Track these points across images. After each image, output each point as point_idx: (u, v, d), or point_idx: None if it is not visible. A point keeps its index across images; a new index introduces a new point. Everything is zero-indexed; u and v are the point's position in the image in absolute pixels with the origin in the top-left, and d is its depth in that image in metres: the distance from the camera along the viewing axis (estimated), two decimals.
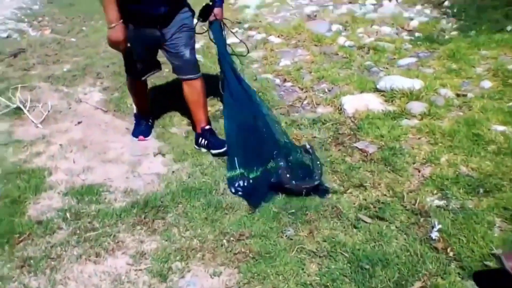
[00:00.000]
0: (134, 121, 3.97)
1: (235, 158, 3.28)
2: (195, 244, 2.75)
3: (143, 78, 3.58)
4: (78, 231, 2.85)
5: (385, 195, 3.07)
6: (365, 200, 3.03)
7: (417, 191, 3.05)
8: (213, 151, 3.56)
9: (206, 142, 3.60)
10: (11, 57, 5.60)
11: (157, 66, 3.58)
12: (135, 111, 4.01)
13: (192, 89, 3.56)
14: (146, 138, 3.84)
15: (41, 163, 3.54)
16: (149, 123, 3.97)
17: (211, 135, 3.63)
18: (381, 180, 3.17)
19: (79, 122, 4.13)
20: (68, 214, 2.98)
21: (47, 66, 5.30)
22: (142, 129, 3.91)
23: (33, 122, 4.12)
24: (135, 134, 3.86)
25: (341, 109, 3.95)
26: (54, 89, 4.72)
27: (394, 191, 3.07)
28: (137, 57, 3.37)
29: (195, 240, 2.78)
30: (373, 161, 3.34)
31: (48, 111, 4.27)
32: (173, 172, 3.40)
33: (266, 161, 3.25)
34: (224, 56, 3.55)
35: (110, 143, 3.81)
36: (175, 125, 4.02)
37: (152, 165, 3.51)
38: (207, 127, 3.66)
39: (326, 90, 4.32)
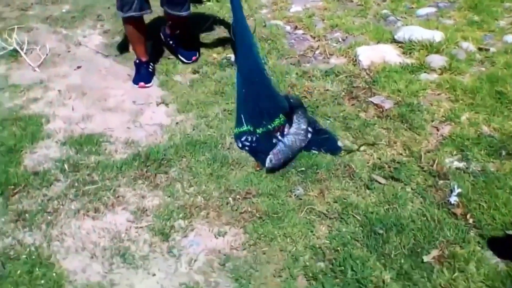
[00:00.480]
0: (134, 68, 3.74)
1: (242, 114, 3.08)
2: (199, 201, 2.61)
3: (133, 14, 3.44)
4: (76, 184, 2.70)
5: (401, 154, 2.90)
6: (380, 159, 2.87)
7: (435, 151, 2.88)
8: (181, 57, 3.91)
9: (174, 44, 3.94)
10: None
11: (148, 7, 3.51)
12: (135, 57, 3.78)
13: (178, 24, 3.77)
14: (147, 85, 3.65)
15: (38, 110, 3.36)
16: (150, 69, 3.76)
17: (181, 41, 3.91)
18: (397, 138, 2.99)
19: (78, 67, 3.92)
20: (66, 165, 2.82)
21: (46, 6, 5.01)
22: (142, 75, 3.70)
23: (30, 65, 3.90)
24: (136, 80, 3.67)
25: (355, 60, 3.73)
26: (52, 31, 4.47)
27: (410, 151, 2.90)
28: None
29: (199, 197, 2.63)
30: (389, 118, 3.15)
31: (46, 54, 4.05)
32: (176, 123, 3.23)
33: (272, 117, 3.05)
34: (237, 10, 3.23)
35: (110, 90, 3.61)
36: (180, 72, 3.81)
37: (154, 115, 3.32)
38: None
39: (340, 40, 4.07)
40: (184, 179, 2.74)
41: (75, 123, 3.23)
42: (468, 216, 2.46)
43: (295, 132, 2.93)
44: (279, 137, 2.97)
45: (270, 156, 2.77)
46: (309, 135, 2.98)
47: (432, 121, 3.11)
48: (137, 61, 3.75)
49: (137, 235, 2.42)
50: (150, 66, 3.78)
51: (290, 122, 3.02)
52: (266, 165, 2.77)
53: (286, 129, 3.00)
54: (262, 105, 3.05)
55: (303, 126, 2.98)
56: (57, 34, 4.45)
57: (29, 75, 3.81)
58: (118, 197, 2.62)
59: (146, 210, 2.55)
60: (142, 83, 3.65)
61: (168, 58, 3.99)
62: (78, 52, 4.16)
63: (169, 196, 2.63)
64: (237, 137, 3.04)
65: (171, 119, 3.28)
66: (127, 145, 3.03)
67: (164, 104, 3.44)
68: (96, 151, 2.95)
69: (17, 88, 3.61)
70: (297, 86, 3.50)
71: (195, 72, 3.79)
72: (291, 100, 3.14)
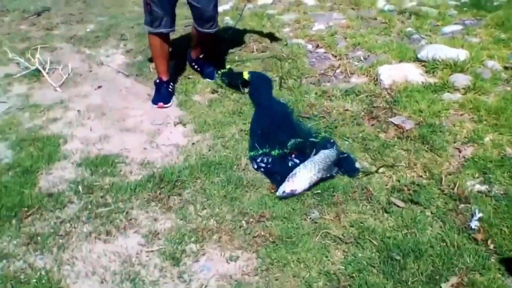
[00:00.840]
0: (154, 87, 3.74)
1: (256, 140, 3.07)
2: (212, 224, 2.56)
3: (162, 30, 3.50)
4: (89, 206, 2.69)
5: (421, 176, 2.81)
6: (399, 181, 2.78)
7: (456, 174, 2.78)
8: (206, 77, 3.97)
9: (198, 68, 4.05)
10: (34, 16, 5.43)
11: (174, 25, 3.62)
12: (156, 77, 3.79)
13: (206, 41, 3.83)
14: (166, 105, 3.65)
15: (57, 130, 3.38)
16: (170, 89, 3.76)
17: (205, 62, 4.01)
18: (417, 160, 2.91)
19: (99, 87, 3.95)
20: (80, 187, 2.81)
21: (71, 25, 5.11)
22: (162, 95, 3.70)
23: (52, 85, 3.95)
24: (155, 100, 3.67)
25: (377, 79, 3.65)
26: (75, 50, 4.54)
27: (431, 173, 2.80)
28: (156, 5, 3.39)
29: (212, 220, 2.59)
30: (409, 139, 3.06)
31: (68, 74, 4.10)
32: (193, 144, 3.20)
33: (287, 141, 3.03)
34: None
35: (129, 110, 3.62)
36: (199, 92, 3.80)
37: (171, 135, 3.31)
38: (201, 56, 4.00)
39: (362, 58, 4.01)
40: (197, 201, 2.71)
41: (92, 144, 3.23)
42: (489, 242, 2.36)
43: (319, 160, 2.84)
44: (295, 160, 2.91)
45: (284, 187, 2.71)
46: (334, 170, 2.88)
47: (454, 142, 3.01)
48: (158, 80, 3.76)
49: (147, 259, 2.39)
50: (170, 86, 3.78)
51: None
52: (277, 193, 2.72)
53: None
54: (278, 134, 3.07)
55: (331, 158, 2.88)
56: (80, 54, 4.51)
57: (50, 95, 3.85)
58: (130, 219, 2.60)
59: (158, 234, 2.51)
60: (161, 103, 3.65)
61: (188, 78, 4.00)
62: (100, 72, 4.20)
63: (182, 219, 2.59)
64: (252, 158, 3.00)
65: (188, 139, 3.26)
66: (142, 166, 3.01)
67: (182, 124, 3.43)
68: (111, 172, 2.94)
69: (37, 108, 3.65)
70: (315, 106, 3.45)
71: (214, 92, 3.77)
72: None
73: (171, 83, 3.80)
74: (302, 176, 2.74)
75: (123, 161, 3.06)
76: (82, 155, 3.12)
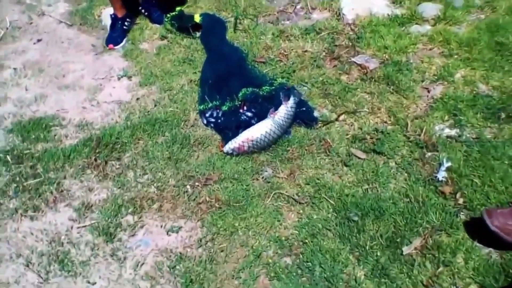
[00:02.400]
0: (109, 24, 3.51)
1: (207, 92, 2.76)
2: (153, 192, 2.31)
3: None
4: (17, 178, 2.42)
5: (385, 122, 2.55)
6: (361, 129, 2.52)
7: (424, 118, 2.51)
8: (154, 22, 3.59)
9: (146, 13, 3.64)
10: None
11: None
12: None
13: None
14: (116, 47, 3.40)
15: None
16: (125, 26, 3.49)
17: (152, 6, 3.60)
18: (382, 103, 2.63)
19: (38, 40, 3.58)
20: (9, 157, 2.53)
21: None
22: (114, 36, 3.44)
23: None
24: (107, 41, 3.44)
25: (339, 14, 3.30)
26: (15, 1, 4.11)
27: (396, 117, 2.54)
28: None
29: (152, 186, 2.33)
30: (373, 80, 2.77)
31: (7, 29, 3.71)
32: (137, 99, 2.90)
33: (236, 93, 2.72)
34: None
35: (70, 64, 3.28)
36: (146, 39, 3.45)
37: (114, 91, 3.00)
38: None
39: None
40: (137, 166, 2.44)
41: (27, 106, 2.92)
42: (458, 196, 2.12)
43: (279, 120, 2.52)
44: (248, 114, 2.62)
45: (230, 144, 2.44)
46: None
47: (422, 81, 2.73)
48: (113, 15, 3.45)
49: (78, 236, 2.14)
50: (126, 23, 3.49)
51: (275, 104, 2.62)
52: (224, 149, 2.45)
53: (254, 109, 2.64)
54: (230, 84, 2.76)
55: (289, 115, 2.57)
56: (20, 5, 4.09)
57: None
58: (61, 191, 2.34)
59: (92, 206, 2.26)
60: (111, 45, 3.39)
61: (136, 23, 3.61)
62: (41, 23, 3.81)
63: (119, 188, 2.33)
64: (202, 112, 2.71)
65: (132, 94, 2.96)
66: (80, 128, 2.72)
67: (127, 77, 3.11)
68: (44, 137, 2.65)
69: None
70: (272, 48, 3.13)
71: (163, 38, 3.42)
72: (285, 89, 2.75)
73: (128, 19, 3.50)
74: (254, 131, 2.45)
75: (59, 123, 2.76)
76: (15, 119, 2.82)
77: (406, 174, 2.27)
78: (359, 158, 2.38)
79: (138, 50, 3.33)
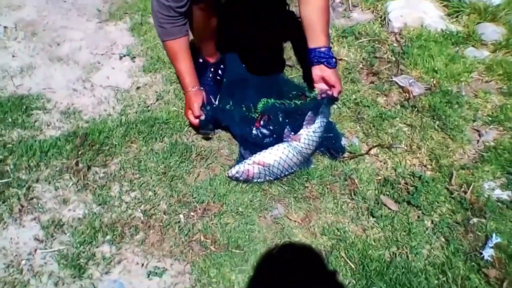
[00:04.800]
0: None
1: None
2: (138, 217, 1.91)
3: None
4: None
5: (425, 166, 2.14)
6: (395, 170, 2.11)
7: (471, 170, 2.10)
8: None
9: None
10: None
11: None
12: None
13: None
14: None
15: None
16: (218, 77, 2.46)
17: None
18: (423, 141, 2.21)
19: None
20: None
21: None
22: (206, 87, 2.29)
23: None
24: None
25: (384, 19, 2.84)
26: None
27: (438, 163, 2.12)
28: None
29: (139, 210, 1.94)
30: (416, 109, 2.34)
31: None
32: (138, 88, 2.48)
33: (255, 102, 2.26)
34: None
35: (68, 31, 2.84)
36: None
37: (112, 72, 2.57)
38: None
39: None
40: (125, 179, 2.04)
41: (10, 77, 2.50)
42: (505, 285, 1.73)
43: (298, 147, 2.07)
44: (263, 130, 2.18)
45: (237, 167, 2.03)
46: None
47: (474, 121, 2.30)
48: (201, 60, 2.42)
49: (42, 263, 1.76)
50: (220, 71, 2.47)
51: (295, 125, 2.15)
52: (229, 173, 2.04)
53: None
54: (248, 88, 2.33)
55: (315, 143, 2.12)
56: None
57: None
58: (31, 199, 1.94)
59: (63, 225, 1.87)
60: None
61: None
62: None
63: (99, 204, 1.94)
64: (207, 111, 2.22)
65: (133, 81, 2.54)
66: (66, 116, 2.31)
67: (129, 58, 2.67)
68: (22, 122, 2.25)
69: None
70: (301, 50, 2.65)
71: None
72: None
73: (221, 66, 2.48)
74: (267, 155, 2.04)
75: (43, 106, 2.35)
76: None
77: (443, 240, 1.88)
78: (389, 208, 1.97)
79: (147, 25, 2.89)
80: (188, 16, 1.99)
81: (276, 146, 2.07)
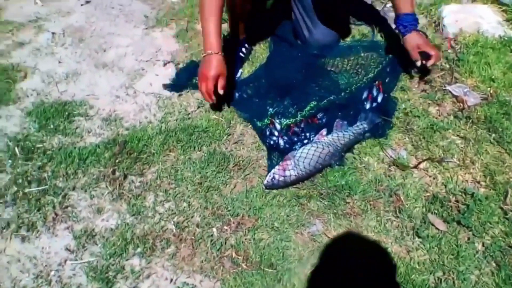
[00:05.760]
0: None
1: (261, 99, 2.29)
2: (171, 229, 1.86)
3: None
4: (20, 180, 2.03)
5: (478, 182, 1.98)
6: (445, 186, 1.96)
7: None
8: None
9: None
10: None
11: None
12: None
13: None
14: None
15: (19, 59, 2.68)
16: (242, 54, 2.59)
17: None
18: (477, 156, 2.05)
19: (87, 2, 3.17)
20: (18, 149, 2.14)
21: None
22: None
23: None
24: None
25: (438, 24, 2.68)
26: None
27: (493, 180, 1.96)
28: None
29: (172, 222, 1.88)
30: (470, 121, 2.18)
31: None
32: (180, 95, 2.44)
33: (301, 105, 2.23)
34: None
35: (115, 38, 2.85)
36: None
37: (156, 79, 2.55)
38: None
39: None
40: (161, 188, 2.00)
41: (55, 83, 2.52)
42: None
43: (323, 141, 2.06)
44: (301, 134, 2.13)
45: (271, 174, 1.95)
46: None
47: None
48: (228, 37, 2.63)
49: (71, 275, 1.74)
50: (244, 49, 2.62)
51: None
52: (265, 182, 1.96)
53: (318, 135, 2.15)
54: (294, 92, 2.29)
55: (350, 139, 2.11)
56: None
57: (28, 9, 3.12)
58: (66, 207, 1.93)
59: (95, 235, 1.84)
60: None
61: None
62: None
63: (133, 215, 1.90)
64: (261, 130, 2.22)
65: None
66: (107, 123, 2.30)
67: (174, 65, 2.64)
68: (64, 129, 2.25)
69: (7, 27, 2.94)
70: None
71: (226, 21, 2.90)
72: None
73: (246, 45, 2.62)
74: (292, 153, 2.02)
75: (85, 113, 2.35)
76: (37, 99, 2.43)
77: (494, 265, 1.72)
78: (437, 228, 1.83)
79: (193, 31, 2.86)
80: None
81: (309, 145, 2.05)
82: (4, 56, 2.70)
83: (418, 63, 2.18)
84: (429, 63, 2.17)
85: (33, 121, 2.29)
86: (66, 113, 2.32)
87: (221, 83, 2.09)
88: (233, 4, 2.29)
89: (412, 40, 2.15)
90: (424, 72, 2.29)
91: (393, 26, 2.37)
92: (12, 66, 2.62)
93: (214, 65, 2.05)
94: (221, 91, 2.10)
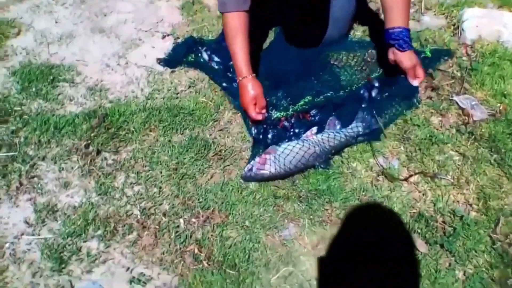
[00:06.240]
0: None
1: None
2: (135, 215, 1.76)
3: None
4: None
5: (470, 205, 1.84)
6: (434, 204, 1.83)
7: None
8: None
9: None
10: None
11: None
12: None
13: None
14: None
15: (15, 15, 2.59)
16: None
17: None
18: (474, 176, 1.91)
19: None
20: None
21: None
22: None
23: None
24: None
25: (457, 27, 2.50)
26: None
27: (486, 204, 1.82)
28: None
29: (138, 206, 1.78)
30: (473, 137, 2.03)
31: None
32: (172, 71, 2.32)
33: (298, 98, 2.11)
34: None
35: (118, 2, 2.74)
36: None
37: (151, 52, 2.43)
38: None
39: None
40: (134, 170, 1.90)
41: (47, 44, 2.42)
42: None
43: (310, 140, 1.94)
44: (290, 130, 2.03)
45: (254, 162, 1.84)
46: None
47: None
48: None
49: (26, 250, 1.66)
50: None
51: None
52: (243, 173, 1.86)
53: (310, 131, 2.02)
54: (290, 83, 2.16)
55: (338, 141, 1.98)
56: None
57: None
58: (32, 177, 1.85)
59: (57, 211, 1.76)
60: None
61: None
62: None
63: (99, 194, 1.81)
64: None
65: None
66: (92, 92, 2.20)
67: (173, 38, 2.51)
68: (46, 93, 2.16)
69: None
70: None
71: None
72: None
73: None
74: (277, 148, 1.93)
75: (71, 79, 2.25)
76: (26, 58, 2.33)
77: None
78: (417, 249, 1.71)
79: (200, 4, 2.72)
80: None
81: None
82: (1, 9, 2.59)
83: (416, 83, 2.01)
84: (417, 82, 2.01)
85: (16, 81, 2.20)
86: (51, 77, 2.23)
87: (259, 104, 1.97)
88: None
89: (410, 60, 1.96)
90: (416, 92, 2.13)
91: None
92: (7, 21, 2.52)
93: (248, 89, 1.94)
94: (263, 111, 1.99)
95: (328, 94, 2.13)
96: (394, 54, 1.97)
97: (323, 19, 2.26)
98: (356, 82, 2.21)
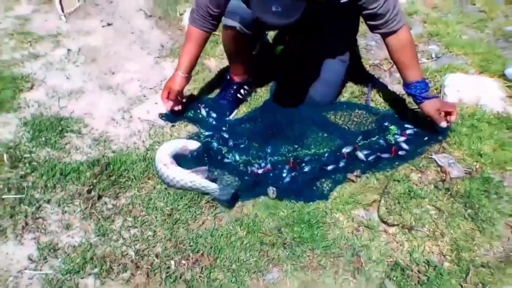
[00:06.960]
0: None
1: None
2: (130, 256, 1.90)
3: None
4: (1, 186, 2.11)
5: (444, 255, 1.97)
6: (410, 255, 1.95)
7: (493, 269, 1.90)
8: None
9: None
10: None
11: None
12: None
13: None
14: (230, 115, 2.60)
15: (30, 70, 2.80)
16: (240, 95, 2.64)
17: None
18: (448, 229, 2.05)
19: (108, 24, 3.29)
20: (7, 157, 2.23)
21: None
22: (224, 101, 2.60)
23: (58, 11, 3.33)
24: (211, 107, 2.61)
25: (440, 91, 2.70)
26: None
27: (459, 255, 1.94)
28: None
29: (133, 248, 1.92)
30: (449, 193, 2.18)
31: (84, 1, 3.45)
32: (172, 126, 2.50)
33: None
34: None
35: (126, 62, 2.95)
36: (216, 55, 3.03)
37: (154, 107, 2.63)
38: None
39: (433, 56, 3.01)
40: (131, 214, 2.05)
41: (58, 98, 2.62)
42: None
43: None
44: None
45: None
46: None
47: (510, 215, 2.08)
48: (228, 77, 2.66)
49: (28, 284, 1.80)
50: (243, 91, 2.65)
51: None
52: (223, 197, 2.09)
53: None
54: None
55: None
56: None
57: (51, 24, 3.25)
58: (37, 218, 2.00)
59: (58, 250, 1.90)
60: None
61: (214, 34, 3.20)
62: (121, 5, 3.51)
63: (98, 235, 1.95)
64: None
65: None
66: (96, 143, 2.37)
67: None
68: (54, 143, 2.34)
69: (27, 37, 3.08)
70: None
71: None
72: None
73: (246, 87, 2.66)
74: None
75: (78, 130, 2.43)
76: (38, 110, 2.53)
77: None
78: None
79: (201, 66, 2.93)
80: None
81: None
82: (17, 65, 2.82)
83: (444, 124, 2.26)
84: (453, 119, 2.26)
85: (27, 131, 2.38)
86: (60, 128, 2.41)
87: (171, 95, 2.42)
88: (224, 43, 2.46)
89: (432, 106, 2.25)
90: (448, 129, 2.34)
91: (400, 91, 2.44)
92: (22, 76, 2.73)
93: (174, 79, 2.41)
94: (165, 101, 2.43)
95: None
96: (419, 106, 2.31)
97: (311, 79, 2.49)
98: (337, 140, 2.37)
